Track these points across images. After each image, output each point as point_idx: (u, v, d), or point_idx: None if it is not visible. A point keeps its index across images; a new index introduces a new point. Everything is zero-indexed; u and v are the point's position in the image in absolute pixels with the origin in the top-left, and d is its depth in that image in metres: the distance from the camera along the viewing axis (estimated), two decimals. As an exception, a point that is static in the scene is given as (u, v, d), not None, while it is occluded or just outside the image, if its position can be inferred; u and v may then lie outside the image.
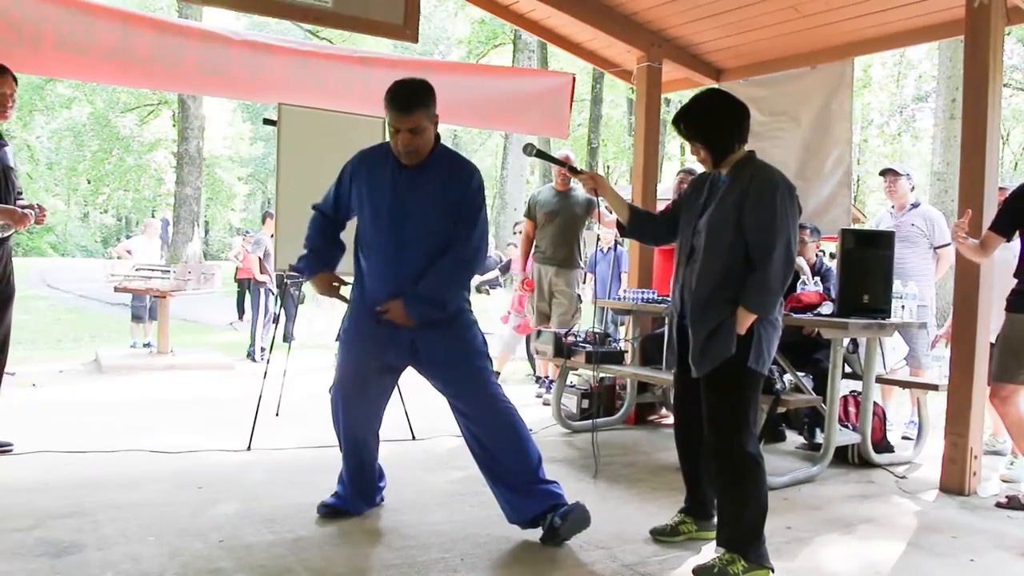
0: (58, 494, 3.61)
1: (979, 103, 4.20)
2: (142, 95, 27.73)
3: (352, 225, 3.38)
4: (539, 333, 5.73)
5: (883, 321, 4.41)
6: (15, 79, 4.20)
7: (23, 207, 4.27)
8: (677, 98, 13.04)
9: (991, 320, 4.29)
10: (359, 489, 3.50)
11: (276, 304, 8.85)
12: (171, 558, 2.89)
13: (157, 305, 9.03)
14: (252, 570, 2.82)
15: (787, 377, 4.53)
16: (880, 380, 4.98)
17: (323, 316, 10.93)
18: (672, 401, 4.36)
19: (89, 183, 32.59)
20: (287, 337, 8.40)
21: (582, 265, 6.60)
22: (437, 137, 3.25)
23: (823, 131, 6.00)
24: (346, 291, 3.42)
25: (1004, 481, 4.47)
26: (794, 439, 5.31)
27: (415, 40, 5.12)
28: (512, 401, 3.30)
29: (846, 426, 4.79)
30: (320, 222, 3.40)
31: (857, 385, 4.89)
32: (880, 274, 4.45)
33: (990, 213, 4.09)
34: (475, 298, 3.72)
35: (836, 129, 5.95)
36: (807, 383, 4.63)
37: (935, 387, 4.74)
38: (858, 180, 24.38)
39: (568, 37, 6.37)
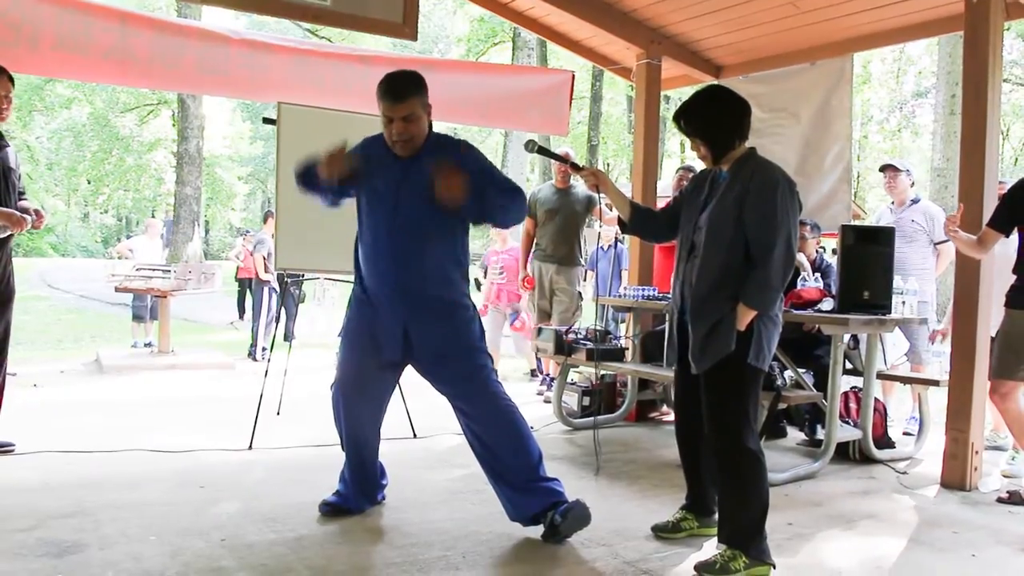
0: (59, 494, 3.61)
1: (979, 99, 4.20)
2: (141, 95, 27.74)
3: (353, 225, 3.38)
4: (540, 330, 5.73)
5: (883, 317, 4.41)
6: (11, 80, 4.19)
7: (23, 210, 4.27)
8: (677, 95, 13.02)
9: (991, 315, 4.29)
10: (361, 487, 3.50)
11: (278, 303, 8.85)
12: (173, 557, 2.90)
13: (158, 305, 9.03)
14: (254, 569, 2.83)
15: (788, 373, 4.53)
16: (881, 376, 4.98)
17: (324, 315, 10.94)
18: (673, 398, 4.36)
19: (89, 183, 32.61)
20: (288, 336, 8.41)
21: (583, 263, 6.61)
22: (430, 126, 3.26)
23: (823, 127, 6.00)
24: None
25: (1005, 476, 4.47)
26: (795, 435, 5.31)
27: (414, 38, 5.11)
28: (513, 399, 3.30)
29: (847, 422, 4.79)
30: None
31: (858, 381, 4.89)
32: (880, 270, 4.45)
33: (990, 209, 4.09)
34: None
35: (836, 125, 5.95)
36: (808, 379, 4.63)
37: (936, 383, 4.74)
38: (858, 176, 24.36)
39: (567, 34, 6.36)
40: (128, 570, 2.77)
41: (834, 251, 7.92)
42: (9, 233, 4.24)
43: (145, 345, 9.65)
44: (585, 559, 3.04)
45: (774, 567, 2.92)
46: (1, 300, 4.31)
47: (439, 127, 3.27)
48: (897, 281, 4.60)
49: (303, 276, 6.10)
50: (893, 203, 5.76)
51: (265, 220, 10.20)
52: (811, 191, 5.90)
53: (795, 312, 4.49)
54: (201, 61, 5.08)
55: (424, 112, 3.17)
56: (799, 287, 4.78)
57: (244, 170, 37.98)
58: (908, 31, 5.34)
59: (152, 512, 3.39)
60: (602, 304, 6.31)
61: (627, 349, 5.65)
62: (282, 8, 4.95)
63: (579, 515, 3.17)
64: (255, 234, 10.72)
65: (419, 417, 5.03)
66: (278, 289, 9.10)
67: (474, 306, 3.36)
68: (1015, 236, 3.98)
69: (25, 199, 4.42)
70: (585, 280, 7.40)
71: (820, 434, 4.75)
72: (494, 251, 7.81)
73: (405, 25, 4.99)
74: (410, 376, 3.46)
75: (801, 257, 5.18)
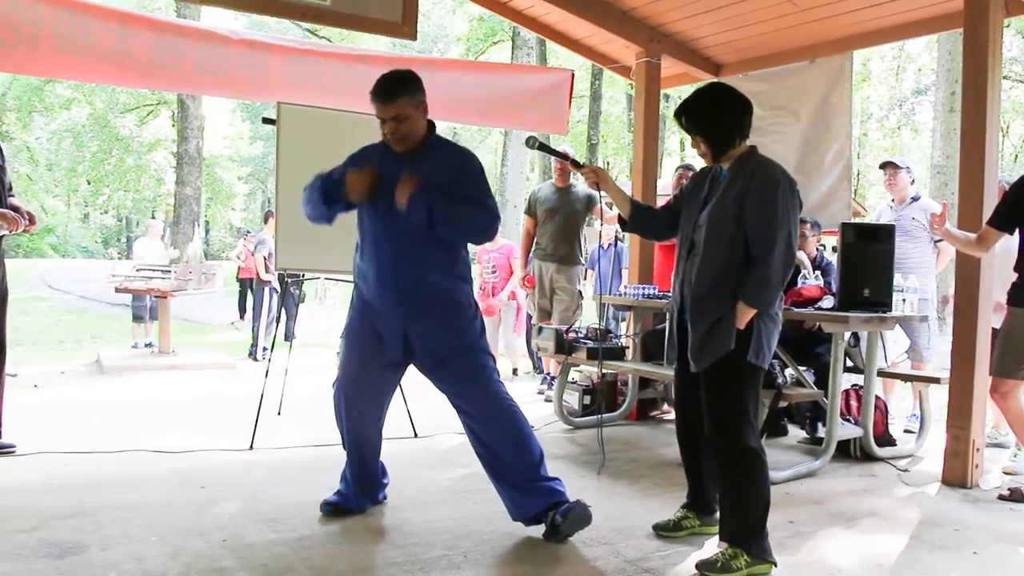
0: (61, 495, 3.61)
1: (978, 96, 4.19)
2: (141, 95, 27.73)
3: (353, 225, 3.38)
4: (540, 329, 5.73)
5: (884, 315, 4.41)
6: None
7: (14, 208, 4.26)
8: (676, 94, 13.03)
9: (991, 312, 4.29)
10: (362, 486, 3.50)
11: (279, 303, 8.85)
12: (174, 557, 2.90)
13: (158, 305, 9.03)
14: (255, 569, 2.83)
15: (788, 371, 4.53)
16: (881, 374, 4.98)
17: (325, 315, 10.94)
18: (673, 396, 4.36)
19: (89, 184, 32.57)
20: (288, 336, 8.41)
21: (583, 261, 6.61)
22: (432, 126, 3.27)
23: (823, 125, 6.00)
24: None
25: (1007, 473, 4.47)
26: (796, 433, 5.31)
27: (414, 38, 5.11)
28: (514, 398, 3.30)
29: (848, 420, 4.79)
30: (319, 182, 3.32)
31: (859, 379, 4.89)
32: (881, 268, 4.45)
33: (990, 206, 4.09)
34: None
35: (836, 123, 5.95)
36: (808, 377, 4.63)
37: (937, 380, 4.74)
38: (858, 174, 24.34)
39: (567, 33, 6.36)
40: (130, 571, 2.77)
41: (834, 249, 7.93)
42: (2, 233, 4.23)
43: (146, 346, 9.66)
44: (587, 558, 3.04)
45: (775, 565, 2.92)
46: None
47: (440, 126, 3.26)
48: (897, 279, 4.59)
49: (303, 276, 6.10)
50: (893, 200, 5.76)
51: (266, 220, 10.20)
52: (811, 189, 5.90)
53: (796, 310, 4.49)
54: (201, 61, 5.07)
55: (417, 111, 3.17)
56: (800, 285, 4.78)
57: (244, 170, 37.96)
58: (907, 28, 5.33)
59: (153, 512, 3.39)
60: (602, 303, 6.31)
61: (628, 348, 5.66)
62: (282, 8, 4.94)
63: (580, 515, 3.17)
64: (256, 234, 10.72)
65: (420, 416, 5.03)
66: (279, 289, 9.10)
67: (476, 304, 3.36)
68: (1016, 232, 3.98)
69: (13, 196, 4.40)
70: (585, 279, 7.41)
71: (821, 432, 4.75)
72: (484, 249, 7.78)
73: (404, 24, 4.99)
74: (411, 375, 3.46)
75: (801, 255, 5.18)
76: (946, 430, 4.29)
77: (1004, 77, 4.62)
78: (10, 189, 4.40)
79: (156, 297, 9.03)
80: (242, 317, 13.36)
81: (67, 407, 5.84)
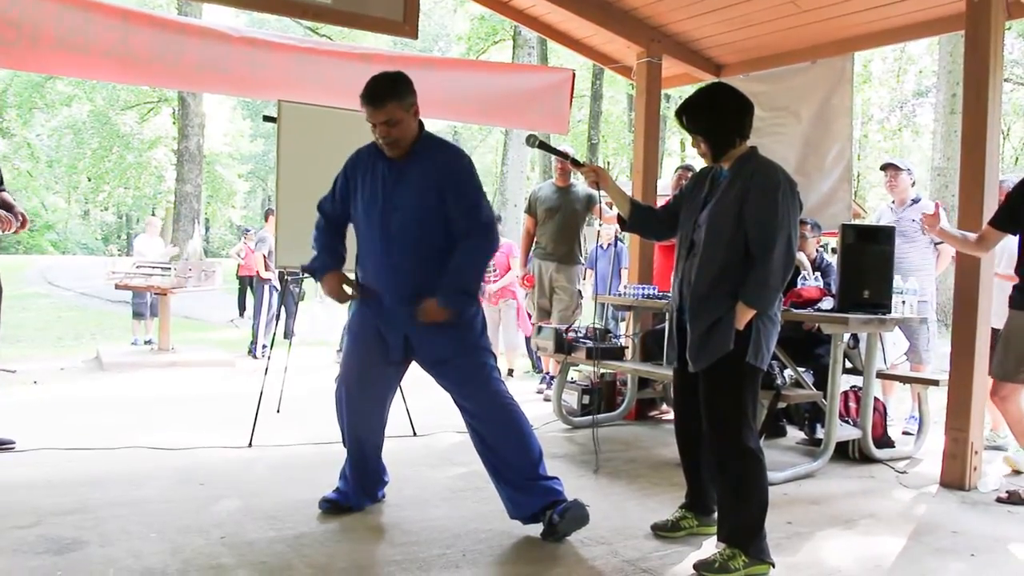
0: (60, 491, 3.61)
1: (980, 98, 4.20)
2: (142, 92, 27.73)
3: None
4: (539, 329, 5.74)
5: (883, 316, 4.41)
6: None
7: (7, 206, 4.25)
8: (677, 94, 13.02)
9: (991, 313, 4.30)
10: (361, 484, 3.50)
11: (278, 301, 8.86)
12: (173, 554, 2.90)
13: (158, 302, 9.04)
14: (254, 566, 2.83)
15: (788, 372, 4.53)
16: (881, 375, 4.98)
17: (326, 312, 10.93)
18: (672, 396, 4.37)
19: (89, 181, 32.57)
20: (288, 334, 8.41)
21: (582, 261, 6.61)
22: (421, 126, 3.26)
23: (824, 126, 6.00)
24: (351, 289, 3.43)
25: (1009, 465, 4.48)
26: (795, 434, 5.31)
27: (415, 36, 5.11)
28: (514, 397, 3.31)
29: (847, 421, 4.80)
30: (324, 222, 3.44)
31: (858, 380, 4.89)
32: (881, 269, 4.45)
33: (991, 208, 4.09)
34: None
35: (837, 124, 5.95)
36: (808, 378, 4.63)
37: (936, 382, 4.74)
38: (858, 176, 24.35)
39: (568, 33, 6.36)
40: (128, 567, 2.77)
41: (834, 250, 7.92)
42: None
43: (145, 343, 9.66)
44: (585, 557, 3.04)
45: (773, 566, 2.93)
46: None
47: (440, 125, 3.27)
48: (897, 280, 4.60)
49: (303, 274, 6.10)
50: (893, 202, 5.76)
51: (266, 218, 10.21)
52: (811, 190, 5.90)
53: (795, 311, 4.49)
54: (202, 59, 5.07)
55: (407, 114, 3.16)
56: (799, 286, 4.78)
57: (244, 168, 37.95)
58: (909, 30, 5.33)
59: (152, 509, 3.40)
60: (602, 303, 6.31)
61: (627, 348, 5.66)
62: (283, 6, 4.95)
63: (577, 515, 3.17)
64: (256, 232, 10.72)
65: (419, 415, 5.03)
66: (279, 287, 9.11)
67: (477, 303, 3.36)
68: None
69: (4, 190, 4.39)
70: (585, 279, 7.41)
71: (820, 433, 4.75)
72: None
73: (406, 23, 4.99)
74: (411, 374, 3.46)
75: (801, 256, 5.18)
76: (945, 432, 4.29)
77: (1005, 80, 4.62)
78: (1, 183, 4.38)
79: (156, 294, 9.03)
80: (241, 315, 13.37)
81: (67, 403, 5.84)
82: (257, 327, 9.31)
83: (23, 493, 3.57)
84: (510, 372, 7.81)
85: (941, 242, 5.47)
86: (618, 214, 3.45)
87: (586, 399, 5.69)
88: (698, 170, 3.34)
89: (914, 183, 5.74)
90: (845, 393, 4.86)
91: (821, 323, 4.50)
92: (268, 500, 3.59)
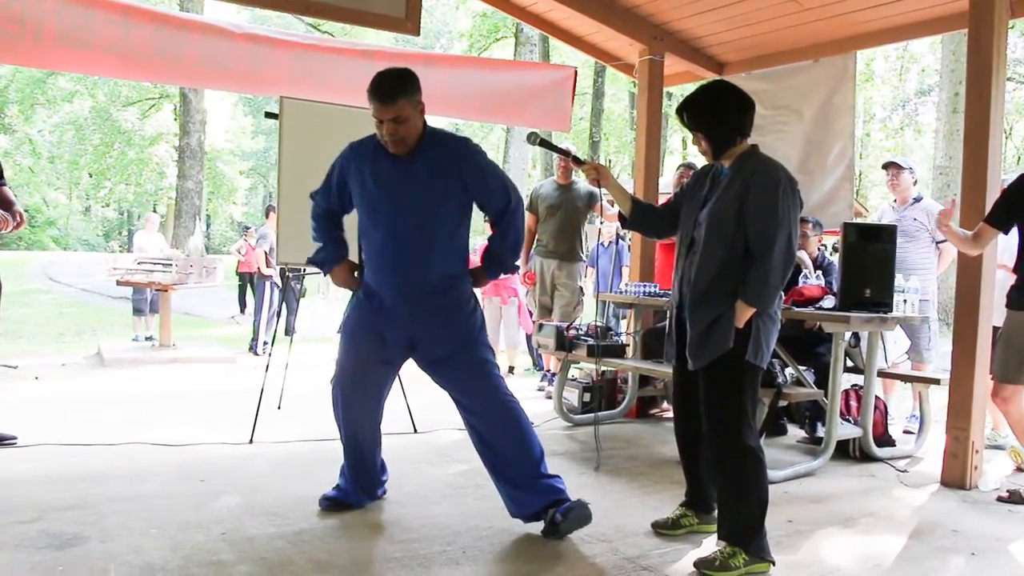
0: (61, 486, 3.61)
1: (982, 97, 4.19)
2: (143, 89, 27.75)
3: (355, 220, 3.37)
4: (540, 326, 5.73)
5: (885, 315, 4.41)
6: None
7: (6, 203, 4.24)
8: (679, 92, 13.01)
9: (993, 311, 4.30)
10: (360, 482, 3.50)
11: (279, 298, 8.86)
12: (173, 550, 2.90)
13: (159, 298, 9.04)
14: (254, 563, 2.83)
15: (788, 371, 4.53)
16: (882, 374, 4.98)
17: (328, 309, 10.95)
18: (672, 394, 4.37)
19: (91, 177, 32.61)
20: (289, 331, 8.41)
21: (584, 258, 6.61)
22: (424, 124, 3.21)
23: (825, 125, 5.99)
24: None
25: (1014, 458, 4.54)
26: (795, 433, 5.31)
27: (417, 33, 5.11)
28: (514, 394, 3.30)
29: (847, 420, 4.79)
30: (322, 214, 3.40)
31: (859, 379, 4.89)
32: (882, 268, 4.44)
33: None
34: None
35: (839, 123, 5.95)
36: (808, 377, 4.63)
37: (937, 381, 4.74)
38: (860, 174, 24.33)
39: (570, 30, 6.36)
40: (129, 563, 2.77)
41: (835, 248, 7.92)
42: None
43: (146, 339, 9.67)
44: (585, 555, 3.04)
45: (773, 564, 2.93)
46: None
47: (442, 122, 3.25)
48: (899, 279, 4.59)
49: (304, 271, 6.12)
50: (895, 201, 5.75)
51: (267, 215, 10.21)
52: (813, 188, 5.89)
53: (796, 309, 4.49)
54: (203, 55, 5.07)
55: (415, 112, 3.11)
56: (801, 284, 4.78)
57: (245, 164, 37.97)
58: (912, 29, 5.33)
59: (153, 505, 3.40)
60: (603, 300, 6.32)
61: (628, 345, 5.66)
62: (285, 2, 4.95)
63: (580, 515, 3.16)
64: (257, 229, 10.72)
65: (420, 412, 5.03)
66: (280, 284, 9.11)
67: (475, 298, 3.36)
68: (1014, 230, 3.96)
69: (5, 184, 4.39)
70: (585, 276, 7.41)
71: (820, 432, 4.75)
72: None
73: (408, 20, 4.99)
74: (411, 370, 3.46)
75: (803, 254, 5.18)
76: (945, 431, 4.29)
77: (1008, 78, 4.60)
78: (1, 179, 4.37)
79: (157, 290, 9.03)
80: (242, 311, 13.37)
81: (68, 399, 5.84)
82: (258, 324, 9.31)
83: (24, 488, 3.57)
84: (511, 369, 7.81)
85: (943, 241, 5.47)
86: (619, 212, 3.45)
87: (587, 397, 5.69)
88: (699, 168, 3.34)
89: (916, 182, 5.74)
90: (846, 392, 4.86)
91: (822, 321, 4.50)
92: (269, 496, 3.59)
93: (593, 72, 22.83)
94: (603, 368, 5.43)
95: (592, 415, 5.15)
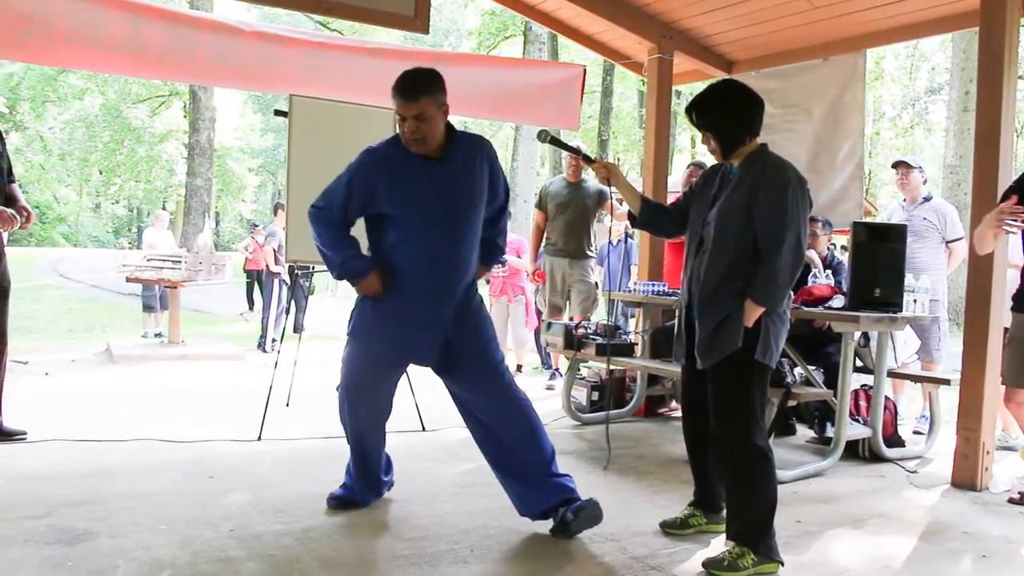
0: (70, 482, 3.63)
1: (993, 95, 4.17)
2: (153, 86, 27.86)
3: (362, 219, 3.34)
4: (549, 325, 5.73)
5: (895, 315, 4.39)
6: None
7: (12, 199, 4.26)
8: (688, 90, 13.01)
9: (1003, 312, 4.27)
10: (367, 481, 3.50)
11: (288, 295, 8.89)
12: (182, 547, 2.91)
13: (168, 295, 9.07)
14: (262, 560, 2.84)
15: (798, 370, 4.52)
16: (891, 374, 4.96)
17: (337, 306, 10.95)
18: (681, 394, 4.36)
19: (101, 174, 32.77)
20: (297, 328, 8.43)
21: (593, 254, 6.60)
22: (450, 126, 3.18)
23: (835, 123, 5.97)
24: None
25: None
26: (804, 433, 5.29)
27: (426, 31, 5.11)
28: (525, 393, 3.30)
29: (857, 420, 4.78)
30: (336, 223, 3.20)
31: (868, 379, 4.87)
32: (892, 268, 4.42)
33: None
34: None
35: (848, 121, 5.92)
36: (818, 377, 4.61)
37: (947, 382, 4.72)
38: (870, 173, 24.24)
39: (579, 29, 6.35)
40: (138, 559, 2.78)
41: (843, 248, 7.89)
42: None
43: (155, 335, 9.69)
44: (593, 554, 3.04)
45: (782, 564, 2.92)
46: None
47: (450, 120, 3.23)
48: (909, 279, 4.57)
49: (313, 268, 6.13)
50: (904, 200, 5.72)
51: (275, 212, 10.22)
52: (823, 187, 5.87)
53: (806, 309, 4.47)
54: (213, 53, 5.09)
55: (438, 112, 3.07)
56: (810, 284, 4.76)
57: (255, 162, 38.09)
58: (922, 27, 5.30)
59: (162, 502, 3.41)
60: (612, 299, 6.31)
61: (636, 344, 5.65)
62: (294, 1, 4.95)
63: (592, 514, 3.16)
64: (266, 226, 10.74)
65: (428, 410, 5.03)
66: (288, 281, 9.13)
67: (480, 297, 3.37)
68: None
69: (14, 181, 4.40)
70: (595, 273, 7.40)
71: (829, 432, 4.73)
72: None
73: (417, 18, 4.99)
74: (418, 368, 3.45)
75: (812, 254, 5.16)
76: (956, 432, 4.27)
77: (1020, 77, 4.56)
78: (10, 174, 4.39)
79: (166, 287, 9.06)
80: (251, 308, 13.40)
81: (77, 395, 5.87)
82: (266, 321, 9.33)
83: (34, 484, 3.59)
84: (519, 368, 7.81)
85: (953, 240, 5.45)
86: (628, 210, 3.44)
87: (595, 395, 5.68)
88: (708, 167, 3.33)
89: (926, 181, 5.71)
90: (855, 392, 4.84)
91: (832, 321, 4.47)
92: (277, 494, 3.60)
93: (602, 70, 22.81)
94: (611, 367, 5.43)
95: (601, 414, 5.15)
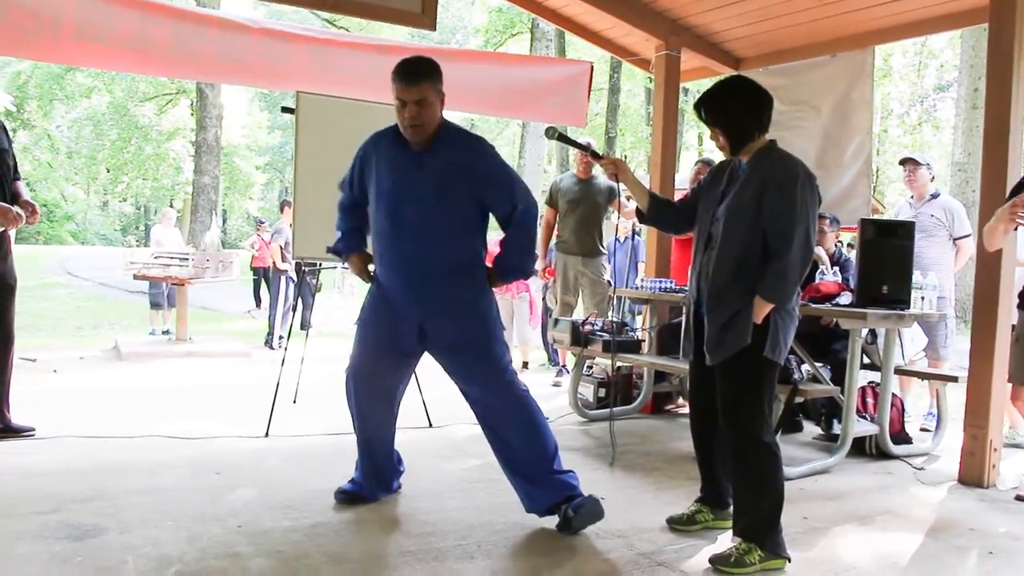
0: (79, 478, 3.65)
1: (1003, 92, 4.15)
2: (160, 84, 27.90)
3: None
4: (556, 321, 5.73)
5: (902, 312, 4.38)
6: None
7: (17, 196, 4.27)
8: (695, 87, 12.96)
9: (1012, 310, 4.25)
10: (375, 476, 3.51)
11: (295, 292, 8.90)
12: (190, 543, 2.92)
13: (175, 293, 9.09)
14: (270, 555, 2.85)
15: (805, 367, 4.51)
16: (899, 371, 4.95)
17: (344, 302, 10.98)
18: (688, 390, 4.36)
19: (108, 172, 32.85)
20: (304, 325, 8.45)
21: (605, 251, 6.60)
22: (443, 118, 3.22)
23: (843, 120, 5.95)
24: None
25: None
26: (811, 430, 5.29)
27: (433, 28, 5.11)
28: (529, 389, 3.30)
29: (864, 417, 4.77)
30: (348, 204, 3.43)
31: (875, 376, 4.86)
32: (899, 265, 4.41)
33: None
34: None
35: (856, 118, 5.90)
36: (825, 373, 4.61)
37: (954, 379, 4.71)
38: (878, 170, 24.15)
39: (586, 25, 6.34)
40: (147, 554, 2.80)
41: (850, 245, 7.87)
42: (2, 229, 4.23)
43: (163, 332, 9.73)
44: (600, 550, 3.05)
45: (789, 561, 2.92)
46: (2, 293, 4.30)
47: (457, 117, 3.24)
48: (916, 276, 4.56)
49: (320, 265, 6.15)
50: (912, 197, 5.71)
51: (282, 209, 10.25)
52: (831, 184, 5.86)
53: (813, 306, 4.47)
54: (220, 50, 5.09)
55: (437, 99, 3.13)
56: (818, 280, 4.75)
57: (262, 159, 38.14)
58: (931, 23, 5.27)
59: (170, 498, 3.43)
60: (619, 296, 6.31)
61: (643, 341, 5.65)
62: (302, -3, 4.96)
63: (592, 510, 3.17)
64: (273, 224, 10.76)
65: (435, 406, 5.04)
66: (295, 278, 9.15)
67: (490, 294, 3.35)
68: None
69: (20, 179, 4.41)
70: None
71: (836, 429, 4.73)
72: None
73: (424, 15, 4.99)
74: (427, 365, 3.46)
75: (820, 250, 5.14)
76: (963, 429, 4.26)
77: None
78: (15, 171, 4.40)
79: (173, 284, 9.09)
80: (257, 306, 13.43)
81: (85, 392, 5.89)
82: (274, 318, 9.35)
83: (43, 480, 3.61)
84: (525, 364, 7.81)
85: (961, 237, 5.43)
86: (636, 207, 3.44)
87: (602, 392, 5.69)
88: (717, 164, 3.32)
89: (933, 178, 5.69)
90: (862, 389, 4.83)
91: (839, 318, 4.47)
92: (284, 490, 3.61)
93: (609, 67, 22.75)
94: (618, 364, 5.42)
95: (607, 411, 5.15)
